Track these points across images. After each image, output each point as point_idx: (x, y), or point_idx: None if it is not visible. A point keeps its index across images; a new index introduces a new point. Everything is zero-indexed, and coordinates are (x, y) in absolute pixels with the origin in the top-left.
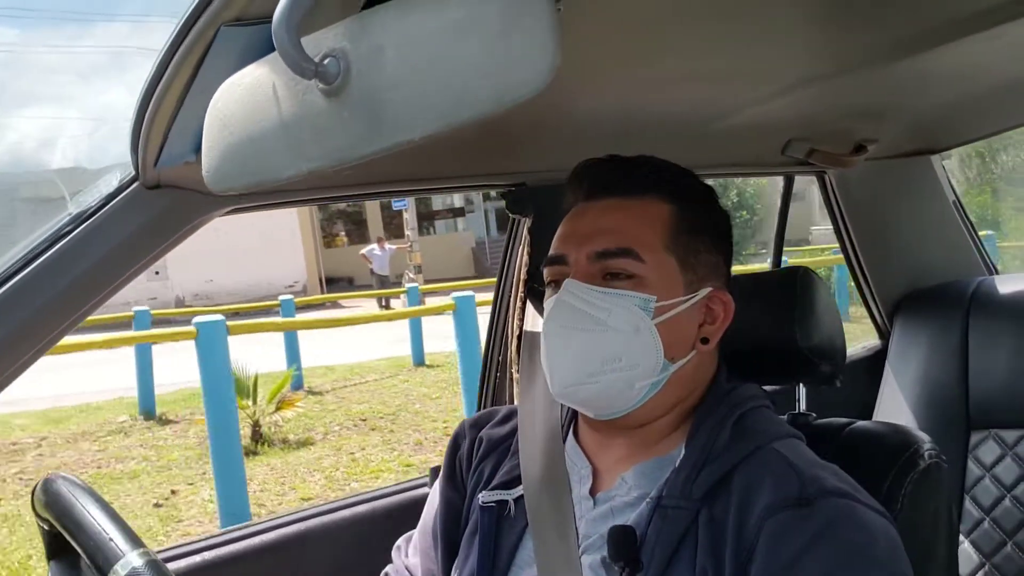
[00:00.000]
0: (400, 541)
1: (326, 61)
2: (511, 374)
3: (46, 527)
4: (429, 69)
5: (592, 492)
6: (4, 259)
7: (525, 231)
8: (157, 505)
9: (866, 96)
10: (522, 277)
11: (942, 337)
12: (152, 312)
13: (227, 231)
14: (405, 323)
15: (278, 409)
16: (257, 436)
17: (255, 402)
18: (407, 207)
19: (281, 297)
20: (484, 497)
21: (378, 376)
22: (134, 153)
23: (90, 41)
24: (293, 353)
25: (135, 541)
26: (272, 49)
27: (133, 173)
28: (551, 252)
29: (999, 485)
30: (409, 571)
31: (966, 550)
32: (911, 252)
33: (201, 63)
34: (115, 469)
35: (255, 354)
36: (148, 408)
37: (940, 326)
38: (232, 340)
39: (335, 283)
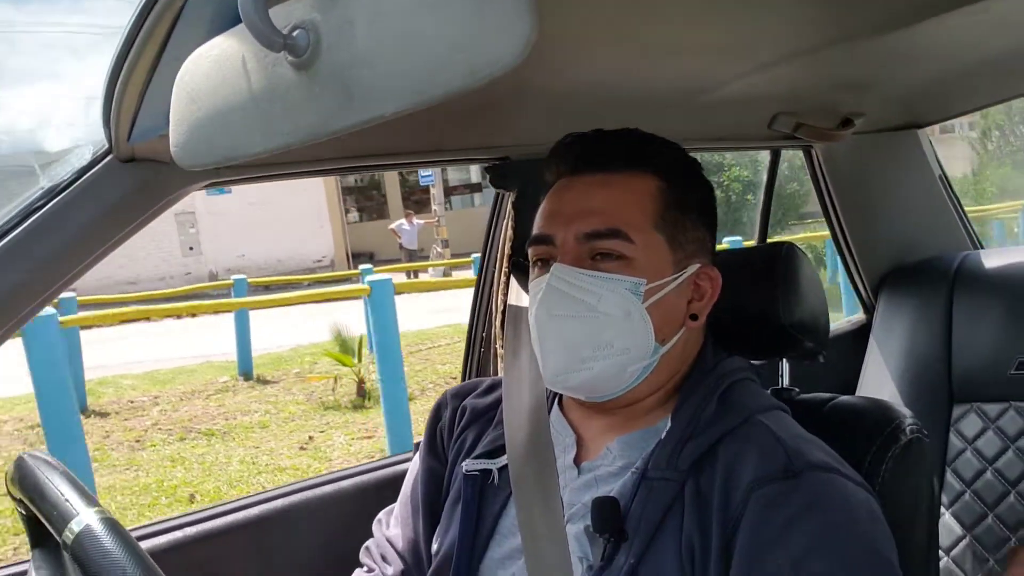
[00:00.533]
0: (381, 515)
1: (295, 33)
2: (495, 349)
3: (22, 510)
4: (401, 43)
5: (576, 461)
6: None
7: (509, 206)
8: (302, 448)
9: (852, 69)
10: (506, 252)
11: (926, 311)
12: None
13: (260, 205)
14: (438, 295)
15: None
16: (361, 392)
17: (360, 360)
18: (434, 183)
19: (362, 267)
20: (468, 466)
21: (448, 340)
22: (106, 127)
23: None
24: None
25: (90, 500)
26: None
27: (106, 146)
28: (536, 231)
29: (981, 458)
30: (390, 542)
31: (948, 522)
32: (897, 226)
33: (170, 34)
34: (243, 421)
35: (317, 323)
36: (247, 369)
37: (925, 300)
38: (297, 310)
39: (357, 258)
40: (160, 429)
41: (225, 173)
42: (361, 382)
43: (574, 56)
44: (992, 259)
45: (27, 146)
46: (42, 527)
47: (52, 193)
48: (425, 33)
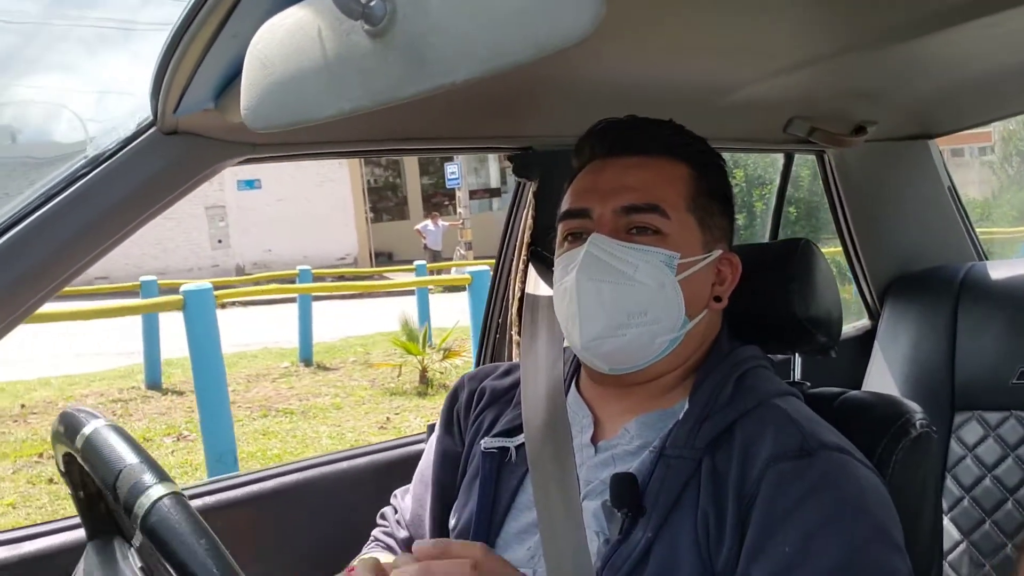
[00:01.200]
0: (398, 491)
1: (372, 3)
2: (510, 336)
3: (79, 492)
4: (473, 13)
5: (594, 440)
6: (19, 199)
7: (530, 195)
8: (382, 428)
9: (866, 77)
10: (526, 240)
11: (931, 319)
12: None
13: (288, 202)
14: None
15: (445, 357)
16: (424, 379)
17: (425, 350)
18: (460, 186)
19: (417, 262)
20: (486, 443)
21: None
22: (154, 99)
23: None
24: (424, 313)
25: (163, 475)
26: None
27: (151, 118)
28: (570, 205)
29: (980, 465)
30: (401, 514)
31: (946, 527)
32: (904, 234)
33: (233, 9)
34: (317, 403)
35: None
36: (307, 356)
37: (930, 308)
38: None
39: (378, 257)
40: (239, 407)
41: (261, 150)
42: (424, 370)
43: (599, 50)
44: (997, 271)
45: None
46: (99, 514)
47: (96, 162)
48: (496, 4)
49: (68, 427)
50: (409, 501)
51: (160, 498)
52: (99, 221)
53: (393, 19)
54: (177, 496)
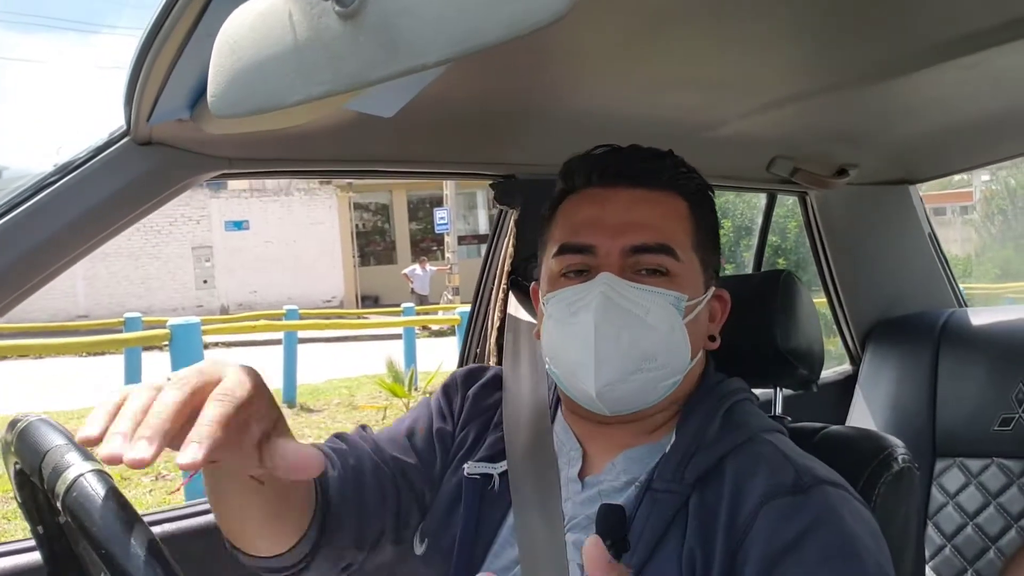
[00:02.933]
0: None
1: None
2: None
3: (20, 491)
4: None
5: (580, 475)
6: None
7: (512, 223)
8: None
9: (849, 119)
10: (506, 269)
11: (912, 365)
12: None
13: (276, 244)
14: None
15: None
16: None
17: (411, 392)
18: (449, 231)
19: (405, 305)
20: (469, 468)
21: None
22: (127, 107)
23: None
24: (410, 356)
25: (87, 455)
26: None
27: (124, 128)
28: (571, 239)
29: (962, 513)
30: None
31: None
32: (885, 279)
33: (202, 15)
34: None
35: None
36: (291, 397)
37: (911, 354)
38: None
39: (364, 301)
40: None
41: (238, 164)
42: None
43: (583, 80)
44: (977, 318)
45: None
46: (40, 504)
47: (66, 169)
48: None
49: (9, 431)
50: (382, 441)
51: (80, 475)
52: (67, 229)
53: (364, 1)
54: (99, 473)
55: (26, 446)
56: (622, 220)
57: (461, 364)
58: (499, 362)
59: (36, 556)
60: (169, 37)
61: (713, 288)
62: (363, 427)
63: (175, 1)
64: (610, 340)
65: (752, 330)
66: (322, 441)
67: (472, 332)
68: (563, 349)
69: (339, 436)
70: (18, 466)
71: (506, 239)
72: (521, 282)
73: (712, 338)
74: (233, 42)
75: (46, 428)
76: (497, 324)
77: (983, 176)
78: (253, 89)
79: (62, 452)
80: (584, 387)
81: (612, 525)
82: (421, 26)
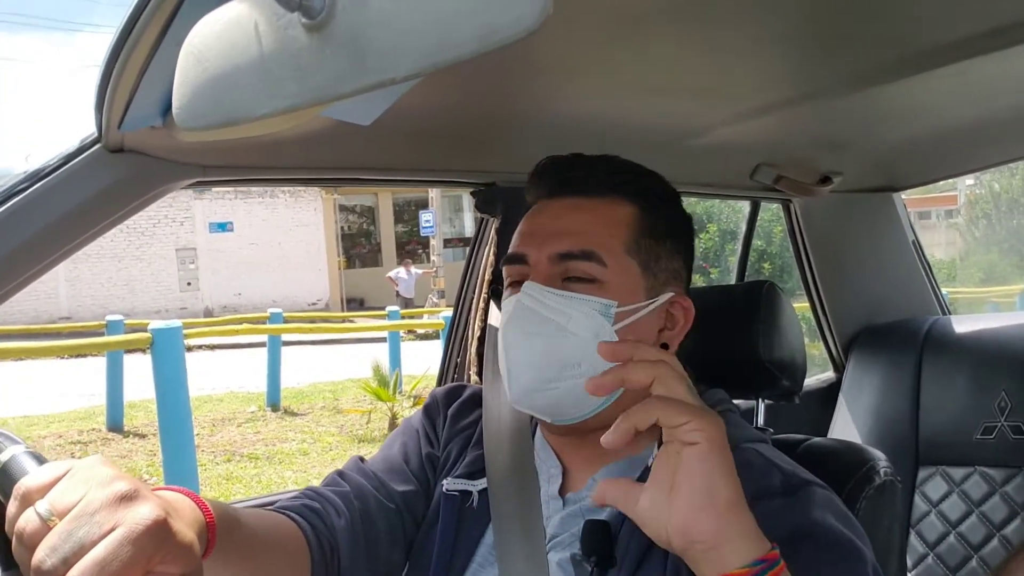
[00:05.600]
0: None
1: None
2: (468, 376)
3: None
4: (415, 5)
5: (561, 492)
6: None
7: (492, 232)
8: None
9: (832, 126)
10: (487, 278)
11: (895, 373)
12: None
13: (260, 246)
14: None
15: (415, 404)
16: (394, 427)
17: (395, 396)
18: (435, 234)
19: (390, 308)
20: (448, 485)
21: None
22: (98, 112)
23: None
24: (395, 359)
25: (15, 441)
26: None
27: (96, 134)
28: (511, 251)
29: (944, 521)
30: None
31: None
32: (869, 287)
33: (172, 18)
34: (283, 448)
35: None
36: (275, 401)
37: (894, 362)
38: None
39: (349, 303)
40: (203, 451)
41: (212, 172)
42: (394, 417)
43: (563, 88)
44: (961, 325)
45: None
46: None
47: (35, 177)
48: None
49: None
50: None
51: (10, 458)
52: (37, 238)
53: (332, 12)
54: (29, 452)
55: None
56: (550, 229)
57: (442, 375)
58: (480, 372)
59: None
60: (139, 42)
61: (669, 294)
62: (360, 459)
63: (144, 6)
64: (521, 347)
65: (734, 341)
66: (308, 452)
67: (453, 342)
68: (500, 357)
69: (340, 475)
70: None
71: (487, 247)
72: (502, 291)
73: (664, 346)
74: (198, 52)
75: None
76: (478, 334)
77: (968, 180)
78: (218, 101)
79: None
80: (509, 394)
81: (597, 540)
82: (390, 39)
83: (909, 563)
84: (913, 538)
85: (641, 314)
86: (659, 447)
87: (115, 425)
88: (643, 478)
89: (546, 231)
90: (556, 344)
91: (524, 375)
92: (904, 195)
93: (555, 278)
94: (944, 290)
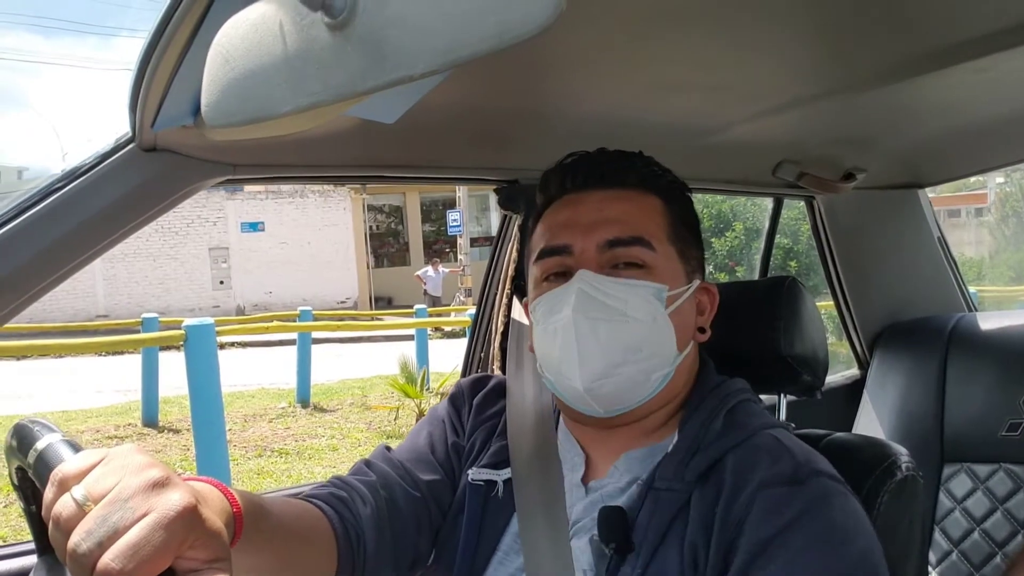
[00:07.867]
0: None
1: None
2: (492, 370)
3: (31, 505)
4: (432, 4)
5: (584, 480)
6: None
7: (515, 229)
8: None
9: (856, 123)
10: (510, 274)
11: (920, 370)
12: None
13: (291, 245)
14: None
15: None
16: None
17: (423, 393)
18: (462, 233)
19: (418, 306)
20: (473, 475)
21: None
22: (132, 113)
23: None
24: (422, 357)
25: (53, 431)
26: None
27: (130, 134)
28: (549, 243)
29: (969, 518)
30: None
31: None
32: (894, 284)
33: (202, 20)
34: (313, 444)
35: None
36: (304, 397)
37: (919, 359)
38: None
39: (377, 302)
40: (235, 446)
41: (242, 171)
42: (422, 413)
43: (586, 85)
44: (986, 322)
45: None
46: (29, 482)
47: (72, 176)
48: None
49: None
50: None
51: (48, 446)
52: (73, 235)
53: (353, 11)
54: (66, 441)
55: (13, 434)
56: (595, 218)
57: (466, 369)
58: (503, 367)
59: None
60: (171, 43)
61: (698, 281)
62: (387, 447)
63: (176, 7)
64: (590, 334)
65: (756, 336)
66: (337, 447)
67: (476, 337)
68: (549, 350)
69: (367, 463)
70: (15, 463)
71: (510, 244)
72: (525, 287)
73: (702, 330)
74: (226, 52)
75: (33, 423)
76: (501, 329)
77: (998, 178)
78: (245, 99)
79: (34, 428)
80: (572, 384)
81: (613, 527)
82: (408, 37)
83: (933, 560)
84: (937, 535)
85: (684, 298)
86: (680, 432)
87: (150, 420)
88: (662, 463)
89: (590, 220)
90: (620, 330)
91: (595, 362)
92: (932, 194)
93: (604, 266)
94: (973, 288)
